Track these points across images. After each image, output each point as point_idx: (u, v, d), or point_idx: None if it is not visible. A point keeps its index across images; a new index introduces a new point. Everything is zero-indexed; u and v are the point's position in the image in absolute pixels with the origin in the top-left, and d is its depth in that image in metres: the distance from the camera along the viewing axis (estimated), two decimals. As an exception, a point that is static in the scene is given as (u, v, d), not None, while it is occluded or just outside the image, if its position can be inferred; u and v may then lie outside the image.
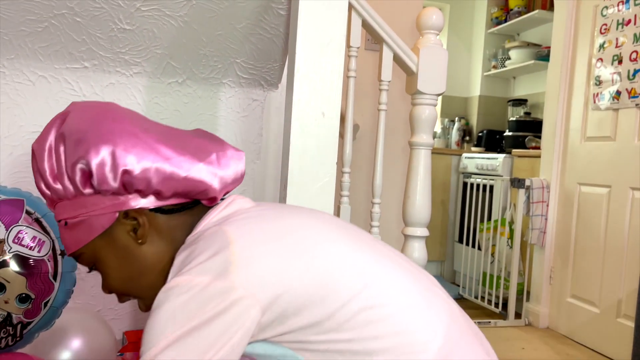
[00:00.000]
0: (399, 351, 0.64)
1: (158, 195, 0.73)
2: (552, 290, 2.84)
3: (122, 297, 0.77)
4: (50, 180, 0.72)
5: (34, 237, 1.06)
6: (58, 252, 1.10)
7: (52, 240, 1.09)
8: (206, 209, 0.77)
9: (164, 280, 0.69)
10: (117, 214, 0.72)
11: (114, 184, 0.70)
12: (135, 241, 0.72)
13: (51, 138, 0.72)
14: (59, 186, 0.72)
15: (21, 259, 1.03)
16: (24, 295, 1.04)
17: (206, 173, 0.74)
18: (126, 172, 0.69)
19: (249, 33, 1.39)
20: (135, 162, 0.69)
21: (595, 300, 2.55)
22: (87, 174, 0.70)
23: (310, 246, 0.69)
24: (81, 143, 0.69)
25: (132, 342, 1.49)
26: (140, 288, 0.74)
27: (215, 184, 0.75)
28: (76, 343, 1.30)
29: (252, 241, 0.66)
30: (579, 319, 2.64)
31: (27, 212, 1.09)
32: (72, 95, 1.45)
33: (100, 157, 0.69)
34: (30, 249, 1.05)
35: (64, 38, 1.36)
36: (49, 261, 1.07)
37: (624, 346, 2.29)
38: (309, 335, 0.65)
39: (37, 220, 1.09)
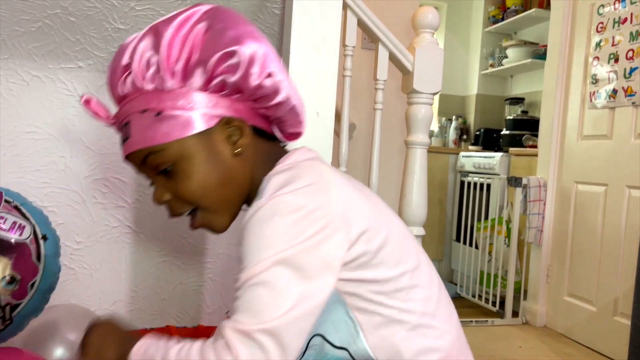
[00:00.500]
0: (421, 331, 0.69)
1: (267, 111, 0.73)
2: (549, 289, 2.84)
3: (180, 209, 0.73)
4: (164, 65, 0.67)
5: (14, 222, 1.07)
6: (40, 236, 1.10)
7: (33, 225, 1.10)
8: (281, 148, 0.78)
9: (239, 198, 0.72)
10: (221, 118, 0.70)
11: (253, 82, 0.68)
12: (231, 151, 0.71)
13: (189, 24, 0.68)
14: (168, 75, 0.67)
15: (2, 243, 1.04)
16: (10, 276, 1.04)
17: (303, 109, 0.76)
18: (269, 76, 0.69)
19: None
20: (278, 70, 0.70)
21: (592, 298, 2.55)
22: (232, 67, 0.67)
23: (386, 209, 0.74)
24: (233, 35, 0.67)
25: (128, 342, 1.49)
26: (214, 199, 0.71)
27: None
28: (71, 340, 1.30)
29: (343, 182, 0.68)
30: (576, 317, 2.65)
31: (6, 201, 1.09)
32: (66, 95, 1.44)
33: (253, 51, 0.67)
34: (11, 232, 1.06)
35: (58, 38, 1.36)
36: (31, 244, 1.08)
37: (620, 344, 2.29)
38: (367, 291, 0.67)
39: (16, 208, 1.10)
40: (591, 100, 2.68)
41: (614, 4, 2.55)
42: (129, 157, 0.73)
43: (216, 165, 0.70)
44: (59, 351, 1.27)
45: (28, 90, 1.41)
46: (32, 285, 1.08)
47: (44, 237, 1.10)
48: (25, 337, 1.23)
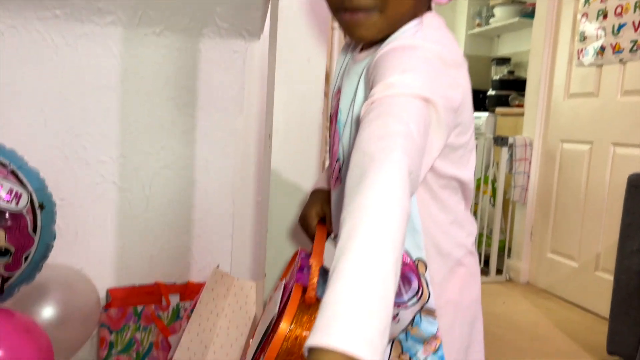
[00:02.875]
0: (459, 224, 0.76)
1: None
2: (532, 246, 2.89)
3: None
4: None
5: (11, 190, 1.03)
6: (37, 205, 1.06)
7: (30, 193, 1.05)
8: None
9: (404, 21, 0.71)
10: None
11: None
12: None
13: None
14: None
15: None
16: (3, 248, 1.01)
17: None
18: None
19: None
20: None
21: (575, 254, 2.61)
22: None
23: None
24: None
25: (117, 298, 1.48)
26: (399, 5, 0.70)
27: None
28: (59, 299, 1.28)
29: None
30: (559, 273, 2.70)
31: (1, 164, 1.04)
32: (43, 47, 1.38)
33: None
34: (8, 202, 1.01)
35: (33, -17, 1.29)
36: (27, 214, 1.04)
37: (601, 298, 2.35)
38: (431, 176, 0.70)
39: (13, 172, 1.05)
40: (579, 58, 2.67)
41: (604, -42, 2.51)
42: None
43: None
44: (47, 311, 1.26)
45: (3, 41, 1.34)
46: (27, 257, 1.05)
47: (41, 206, 1.06)
48: (13, 298, 1.20)
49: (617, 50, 2.44)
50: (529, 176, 2.87)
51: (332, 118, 0.83)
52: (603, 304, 2.34)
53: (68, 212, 1.45)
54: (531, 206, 2.89)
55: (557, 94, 2.81)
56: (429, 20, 0.71)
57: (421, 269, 0.69)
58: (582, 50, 2.65)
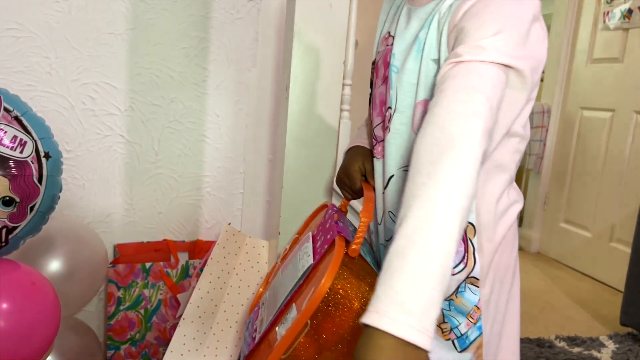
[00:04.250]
0: (512, 185, 0.74)
1: None
2: (545, 216, 2.84)
3: None
4: None
5: (15, 137, 0.97)
6: (42, 154, 1.01)
7: (35, 141, 1.00)
8: None
9: None
10: None
11: None
12: None
13: None
14: None
15: (2, 160, 0.95)
16: (7, 198, 0.96)
17: None
18: None
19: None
20: None
21: (589, 225, 2.55)
22: None
23: None
24: None
25: (125, 255, 1.45)
26: None
27: None
28: (66, 252, 1.24)
29: None
30: (571, 243, 2.66)
31: (6, 110, 0.99)
32: (48, -11, 1.31)
33: None
34: (12, 149, 0.96)
35: None
36: (32, 163, 0.99)
37: (614, 269, 2.31)
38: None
39: (17, 119, 0.99)
40: (604, 21, 2.56)
41: None
42: None
43: None
44: (54, 264, 1.22)
45: (5, -19, 1.27)
46: (32, 207, 1.00)
47: (47, 155, 1.01)
48: (20, 251, 1.17)
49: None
50: (545, 144, 2.80)
51: (379, 63, 0.79)
52: (616, 275, 2.30)
53: (75, 164, 1.41)
54: (546, 175, 2.83)
55: (579, 59, 2.70)
56: None
57: (469, 233, 0.67)
58: (608, 13, 2.54)
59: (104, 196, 1.45)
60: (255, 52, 1.50)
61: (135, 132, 1.44)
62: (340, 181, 0.88)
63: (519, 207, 0.75)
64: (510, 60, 0.58)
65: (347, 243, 0.70)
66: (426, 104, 0.70)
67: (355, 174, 0.84)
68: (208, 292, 1.11)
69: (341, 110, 1.25)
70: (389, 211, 0.76)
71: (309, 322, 0.67)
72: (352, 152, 0.87)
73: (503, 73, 0.58)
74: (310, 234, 0.83)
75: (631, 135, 2.37)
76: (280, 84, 1.40)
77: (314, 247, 0.78)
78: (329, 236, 0.74)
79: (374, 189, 0.81)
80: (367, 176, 0.83)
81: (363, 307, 0.69)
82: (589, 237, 2.55)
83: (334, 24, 1.07)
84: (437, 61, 0.68)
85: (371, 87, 0.88)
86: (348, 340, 0.69)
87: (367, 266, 0.74)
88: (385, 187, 0.76)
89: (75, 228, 1.34)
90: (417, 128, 0.71)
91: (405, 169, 0.72)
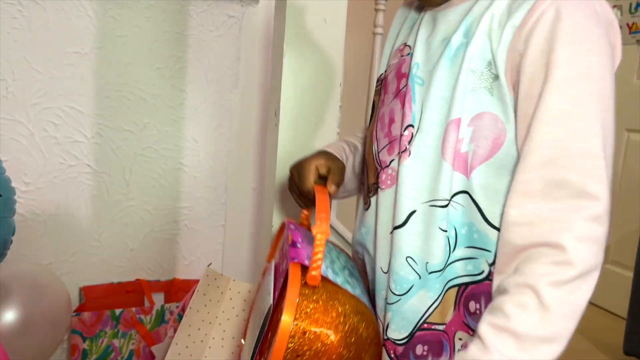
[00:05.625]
0: None
1: None
2: (536, 237, 2.76)
3: None
4: None
5: None
6: (-9, 194, 0.87)
7: (-19, 179, 0.86)
8: None
9: None
10: None
11: None
12: None
13: None
14: None
15: None
16: None
17: None
18: None
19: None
20: None
21: (583, 246, 2.48)
22: None
23: None
24: None
25: (92, 298, 1.29)
26: None
27: None
28: (22, 301, 1.09)
29: None
30: (564, 265, 2.58)
31: None
32: (4, 4, 1.17)
33: None
34: None
35: None
36: (-23, 205, 0.85)
37: (612, 293, 2.23)
38: None
39: None
40: (591, 38, 2.52)
41: None
42: None
43: None
44: (7, 315, 1.07)
45: (-46, -6, 1.13)
46: None
47: None
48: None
49: (634, 30, 2.29)
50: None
51: (389, 76, 0.69)
52: (614, 299, 2.22)
53: (35, 197, 1.26)
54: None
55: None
56: None
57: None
58: (595, 30, 2.50)
59: (69, 233, 1.29)
60: (238, 72, 1.38)
61: (103, 161, 1.30)
62: (289, 180, 0.75)
63: None
64: (606, 99, 0.57)
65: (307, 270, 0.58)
66: (460, 123, 0.59)
67: (309, 170, 0.72)
68: (187, 347, 0.97)
69: (338, 135, 1.14)
70: (408, 256, 0.63)
71: None
72: (319, 152, 0.76)
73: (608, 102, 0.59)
74: (272, 263, 0.70)
75: (623, 154, 2.31)
76: (267, 107, 1.29)
77: (275, 281, 0.65)
78: (284, 265, 0.62)
79: (331, 197, 0.69)
80: (329, 182, 0.71)
81: (345, 334, 0.58)
82: (582, 259, 2.48)
83: (329, 41, 0.96)
84: (483, 74, 0.58)
85: (373, 106, 0.77)
86: None
87: (335, 287, 0.61)
88: (400, 226, 0.63)
89: (34, 271, 1.18)
90: (448, 154, 0.59)
91: (432, 203, 0.60)
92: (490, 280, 0.59)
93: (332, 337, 0.58)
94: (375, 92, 0.76)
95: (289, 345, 0.55)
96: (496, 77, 0.57)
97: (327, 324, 0.58)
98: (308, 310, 0.57)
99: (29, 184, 1.24)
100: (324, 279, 0.59)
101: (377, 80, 0.75)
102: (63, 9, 1.21)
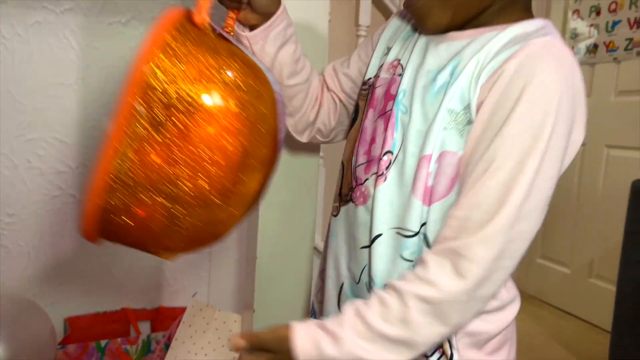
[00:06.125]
0: None
1: None
2: (521, 251, 2.79)
3: None
4: None
5: None
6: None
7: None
8: None
9: (472, 8, 0.63)
10: None
11: None
12: None
13: None
14: None
15: None
16: None
17: None
18: None
19: None
20: None
21: (567, 260, 2.51)
22: None
23: None
24: None
25: (77, 329, 1.28)
26: None
27: None
28: (4, 335, 1.08)
29: None
30: (549, 279, 2.61)
31: None
32: (-13, 37, 1.18)
33: None
34: None
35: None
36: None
37: (596, 306, 2.26)
38: None
39: None
40: (570, 56, 2.57)
41: (597, -47, 2.42)
42: None
43: None
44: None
45: (-64, 29, 1.13)
46: None
47: None
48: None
49: (611, 48, 2.34)
50: (517, 179, 2.78)
51: (378, 90, 0.70)
52: (598, 312, 2.24)
53: (19, 229, 1.25)
54: (520, 210, 2.80)
55: (546, 94, 2.71)
56: (553, 39, 0.61)
57: None
58: (573, 48, 2.55)
59: (53, 264, 1.29)
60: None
61: (88, 190, 1.30)
62: None
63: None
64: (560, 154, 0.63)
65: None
66: (430, 159, 0.61)
67: None
68: (173, 379, 0.97)
69: (320, 158, 1.16)
70: (371, 274, 0.65)
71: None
72: None
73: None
74: None
75: (603, 169, 2.36)
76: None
77: None
78: None
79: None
80: None
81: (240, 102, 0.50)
82: (567, 273, 2.51)
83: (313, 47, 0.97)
84: (458, 116, 0.60)
85: (357, 108, 0.76)
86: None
87: (228, 45, 0.54)
88: (366, 246, 0.66)
89: (17, 304, 1.18)
90: (419, 188, 0.61)
91: (399, 230, 0.62)
92: None
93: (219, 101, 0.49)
94: (361, 96, 0.76)
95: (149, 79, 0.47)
96: (470, 121, 0.60)
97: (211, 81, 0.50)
98: (185, 50, 0.49)
99: (13, 216, 1.24)
100: (215, 29, 0.53)
101: (364, 84, 0.76)
102: (47, 41, 1.22)
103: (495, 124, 0.57)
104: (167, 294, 1.41)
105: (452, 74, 0.62)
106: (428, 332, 0.57)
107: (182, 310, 1.24)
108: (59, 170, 1.27)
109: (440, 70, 0.63)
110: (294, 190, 1.06)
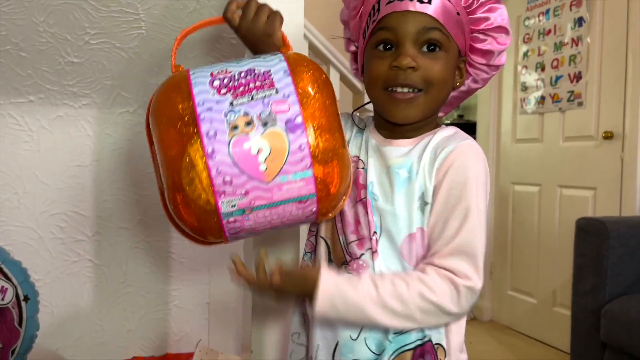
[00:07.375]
0: None
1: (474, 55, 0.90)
2: (493, 285, 3.01)
3: (411, 81, 0.82)
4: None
5: None
6: (22, 297, 1.07)
7: (15, 286, 1.06)
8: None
9: (437, 109, 0.88)
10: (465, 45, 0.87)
11: (496, 22, 0.86)
12: (457, 76, 0.89)
13: None
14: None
15: None
16: None
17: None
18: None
19: (201, 62, 1.40)
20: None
21: (533, 291, 2.74)
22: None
23: None
24: None
25: (96, 378, 1.46)
26: (439, 91, 0.85)
27: None
28: (39, 387, 1.26)
29: None
30: (519, 310, 2.82)
31: None
32: (17, 130, 1.40)
33: None
34: None
35: (8, 74, 1.31)
36: (13, 308, 1.05)
37: (560, 332, 2.47)
38: None
39: None
40: (522, 106, 2.87)
41: (538, 16, 2.75)
42: (405, 16, 0.81)
43: (451, 74, 0.86)
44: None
45: (-24, 127, 1.36)
46: (14, 351, 1.05)
47: (26, 299, 1.07)
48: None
49: (556, 100, 2.64)
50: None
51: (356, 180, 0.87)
52: (562, 338, 2.46)
53: (44, 292, 1.44)
54: (489, 246, 3.03)
55: (505, 139, 2.99)
56: (467, 142, 0.85)
57: (440, 354, 0.82)
58: (524, 99, 2.85)
59: (73, 320, 1.48)
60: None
61: (103, 255, 1.50)
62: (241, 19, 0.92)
63: None
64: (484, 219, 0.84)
65: None
66: (418, 233, 0.82)
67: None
68: (186, 414, 1.16)
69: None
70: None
71: None
72: None
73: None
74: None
75: (558, 207, 2.61)
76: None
77: None
78: None
79: None
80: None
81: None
82: (534, 303, 2.73)
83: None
84: (420, 199, 0.82)
85: None
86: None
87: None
88: None
89: (43, 357, 1.36)
90: (412, 260, 0.82)
91: None
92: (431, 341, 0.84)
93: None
94: None
95: None
96: (427, 203, 0.81)
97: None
98: None
99: (39, 280, 1.43)
100: None
101: None
102: (68, 131, 1.45)
103: (451, 203, 0.80)
104: (172, 341, 1.60)
105: (409, 170, 0.82)
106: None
107: (186, 355, 1.44)
108: (77, 239, 1.48)
109: (398, 168, 0.83)
110: (288, 238, 1.28)
